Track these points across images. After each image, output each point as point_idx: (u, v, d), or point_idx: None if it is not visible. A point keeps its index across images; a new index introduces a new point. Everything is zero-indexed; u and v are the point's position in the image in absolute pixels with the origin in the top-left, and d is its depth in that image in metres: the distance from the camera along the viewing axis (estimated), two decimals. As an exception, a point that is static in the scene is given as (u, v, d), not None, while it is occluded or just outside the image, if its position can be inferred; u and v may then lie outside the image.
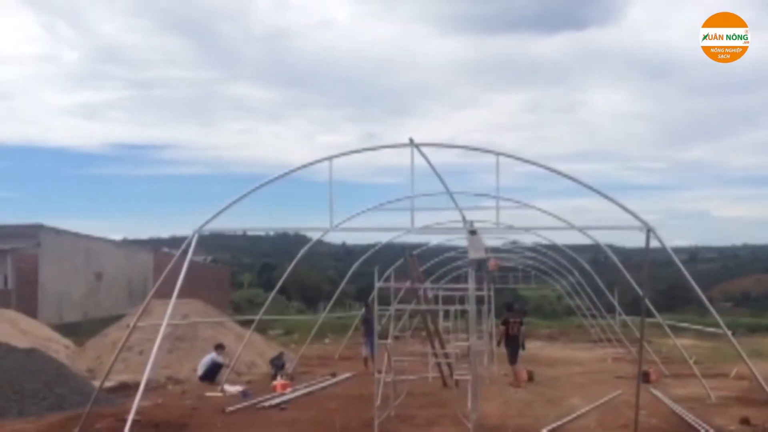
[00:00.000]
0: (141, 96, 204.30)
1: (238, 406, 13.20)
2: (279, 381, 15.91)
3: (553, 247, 24.92)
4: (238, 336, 21.59)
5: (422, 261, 27.87)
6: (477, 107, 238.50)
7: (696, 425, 11.38)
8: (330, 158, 10.73)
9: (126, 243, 39.16)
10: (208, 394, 15.07)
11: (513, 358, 17.24)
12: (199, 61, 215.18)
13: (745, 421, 11.68)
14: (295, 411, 13.11)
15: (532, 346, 31.04)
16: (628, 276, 16.95)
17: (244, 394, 14.72)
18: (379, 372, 16.47)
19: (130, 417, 9.32)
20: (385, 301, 19.40)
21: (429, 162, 12.14)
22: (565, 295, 36.08)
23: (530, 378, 17.59)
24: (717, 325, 34.43)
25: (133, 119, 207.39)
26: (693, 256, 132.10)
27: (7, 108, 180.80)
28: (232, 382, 16.44)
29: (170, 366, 18.42)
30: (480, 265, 18.80)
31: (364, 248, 27.64)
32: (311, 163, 10.89)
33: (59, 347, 19.45)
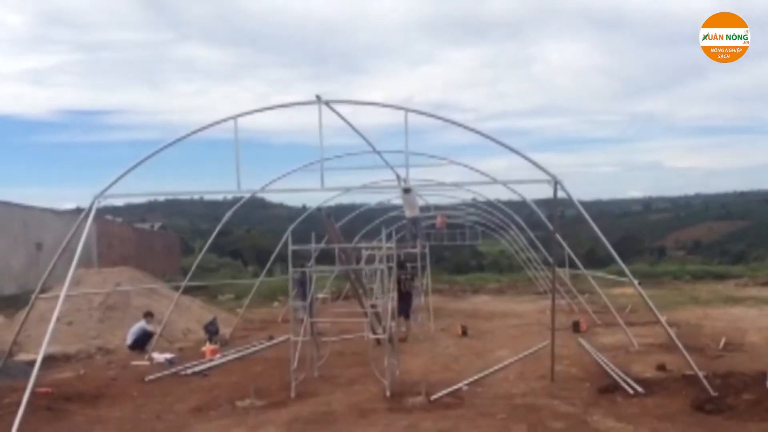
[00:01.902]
0: (88, 60, 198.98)
1: (159, 374, 12.95)
2: (208, 347, 15.68)
3: (495, 204, 24.94)
4: (175, 303, 21.24)
5: (365, 222, 27.75)
6: (433, 64, 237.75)
7: (613, 373, 11.47)
8: (235, 117, 10.39)
9: (68, 212, 38.02)
10: (134, 363, 14.77)
11: (405, 312, 17.25)
12: (147, 22, 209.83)
13: (661, 368, 11.84)
14: (217, 377, 12.94)
15: (478, 300, 31.46)
16: (551, 227, 16.92)
17: (170, 362, 14.47)
18: (320, 333, 16.59)
19: (27, 391, 8.99)
20: (321, 262, 19.31)
21: (344, 119, 11.87)
22: (511, 250, 36.28)
23: (463, 332, 17.69)
24: (650, 274, 35.06)
25: (82, 84, 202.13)
26: (647, 206, 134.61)
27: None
28: (164, 350, 16.19)
29: (101, 336, 18.06)
30: (415, 222, 18.76)
31: (334, 209, 27.32)
32: (216, 123, 10.54)
33: (-17, 322, 18.90)
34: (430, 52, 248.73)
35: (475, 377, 11.72)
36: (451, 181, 18.33)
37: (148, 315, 17.03)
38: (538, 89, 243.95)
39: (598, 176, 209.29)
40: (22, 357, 16.69)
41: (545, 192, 11.34)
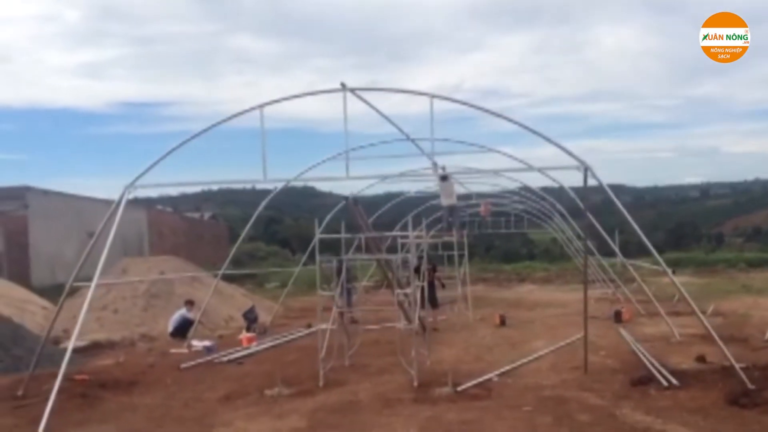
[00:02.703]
0: (143, 52, 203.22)
1: (194, 362, 13.15)
2: (244, 335, 15.86)
3: (535, 191, 24.45)
4: (218, 291, 21.49)
5: (402, 210, 27.59)
6: (482, 51, 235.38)
7: (649, 364, 11.16)
8: (261, 106, 10.43)
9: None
10: (173, 350, 15.05)
11: (429, 302, 17.09)
12: (199, 15, 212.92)
13: (701, 359, 11.49)
14: (251, 365, 13.07)
15: (523, 290, 31.10)
16: (591, 218, 16.58)
17: (208, 350, 14.70)
18: (355, 322, 16.62)
19: (58, 378, 9.20)
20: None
21: (372, 106, 11.76)
22: (560, 238, 35.67)
23: (502, 322, 17.48)
24: (705, 262, 34.27)
25: (136, 76, 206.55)
26: (705, 192, 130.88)
27: (9, 71, 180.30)
28: (205, 338, 16.45)
29: (144, 323, 18.45)
30: (452, 211, 18.57)
31: (373, 199, 27.25)
32: (241, 113, 10.59)
33: (36, 309, 19.49)
34: (480, 39, 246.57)
35: (506, 368, 11.56)
36: (490, 168, 17.99)
37: (189, 303, 17.31)
38: (590, 74, 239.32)
39: (655, 162, 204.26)
40: (68, 344, 17.14)
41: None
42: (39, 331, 17.86)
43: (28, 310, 18.80)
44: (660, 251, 49.20)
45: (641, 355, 12.02)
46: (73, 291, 21.60)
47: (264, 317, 19.94)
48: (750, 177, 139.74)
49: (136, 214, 39.35)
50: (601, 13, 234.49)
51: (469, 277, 37.74)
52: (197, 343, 15.45)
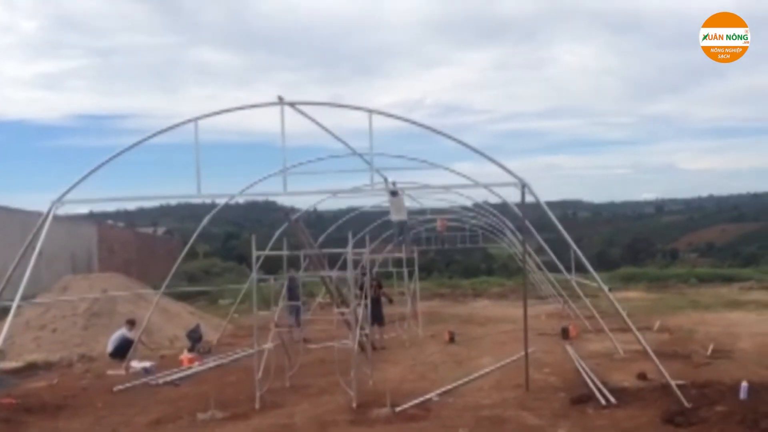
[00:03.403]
0: (102, 64, 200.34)
1: (128, 385, 12.71)
2: (185, 355, 15.43)
3: (499, 206, 24.43)
4: (163, 309, 21.02)
5: (360, 226, 27.37)
6: (446, 66, 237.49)
7: (590, 382, 11.09)
8: (195, 119, 10.16)
9: (71, 217, 37.95)
10: (110, 372, 14.56)
11: (375, 319, 16.90)
12: (159, 27, 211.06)
13: (642, 376, 11.46)
14: (188, 387, 12.69)
15: (478, 305, 31.04)
16: (534, 232, 16.64)
17: (147, 371, 14.24)
18: (307, 341, 16.30)
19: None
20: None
21: (314, 120, 11.55)
22: (513, 253, 35.78)
23: (451, 339, 17.33)
24: (659, 277, 34.45)
25: (95, 88, 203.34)
26: (660, 208, 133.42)
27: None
28: (146, 358, 15.95)
29: (84, 343, 17.81)
30: (402, 226, 18.43)
31: (336, 214, 26.89)
32: (175, 126, 10.30)
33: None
34: (443, 54, 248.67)
35: (448, 387, 11.39)
36: (440, 184, 17.94)
37: (130, 322, 16.79)
38: (551, 91, 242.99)
39: (612, 178, 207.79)
40: (4, 365, 16.51)
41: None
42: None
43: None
44: (616, 266, 49.66)
45: (583, 373, 11.95)
46: (7, 311, 20.93)
47: (213, 335, 19.49)
48: (704, 193, 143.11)
49: (86, 230, 38.44)
50: (562, 32, 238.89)
51: (426, 293, 37.83)
52: (136, 364, 14.96)
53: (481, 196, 22.13)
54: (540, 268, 26.30)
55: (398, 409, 9.87)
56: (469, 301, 33.40)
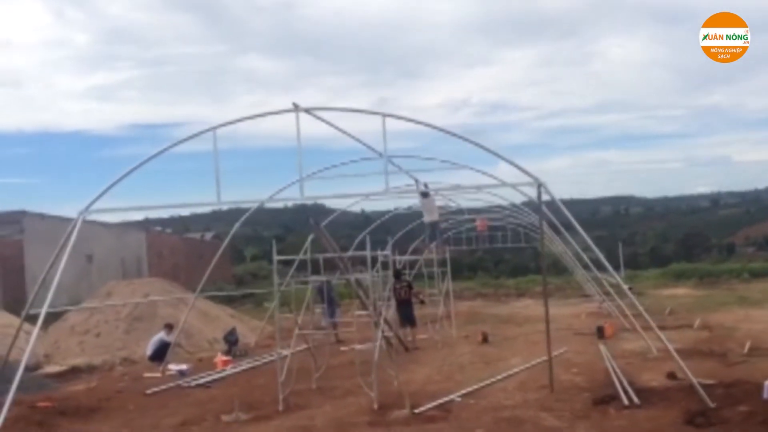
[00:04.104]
0: (152, 74, 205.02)
1: (160, 388, 13.02)
2: (219, 358, 15.73)
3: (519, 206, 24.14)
4: (203, 313, 21.51)
5: (394, 228, 27.39)
6: (489, 65, 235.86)
7: (617, 382, 10.91)
8: (214, 128, 10.35)
9: (117, 225, 39.12)
10: (147, 374, 14.94)
11: (406, 321, 16.99)
12: (207, 36, 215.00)
13: (671, 376, 11.19)
14: (219, 389, 12.94)
15: (520, 305, 30.78)
16: (578, 227, 16.43)
17: (182, 374, 14.57)
18: (340, 342, 16.47)
19: (6, 405, 9.09)
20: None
21: (332, 125, 11.68)
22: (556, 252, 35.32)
23: (484, 339, 17.24)
24: (711, 273, 33.50)
25: (147, 98, 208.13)
26: (715, 202, 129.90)
27: (21, 96, 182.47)
28: (185, 361, 16.32)
29: (126, 347, 18.37)
30: (434, 227, 18.43)
31: (382, 215, 27.10)
32: (195, 135, 10.52)
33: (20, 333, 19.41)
34: (487, 53, 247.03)
35: (471, 388, 11.34)
36: (472, 184, 17.86)
37: (168, 326, 17.19)
38: (598, 86, 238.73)
39: (664, 172, 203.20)
40: (49, 369, 17.11)
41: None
42: (21, 357, 17.81)
43: (9, 335, 18.71)
44: (668, 262, 48.40)
45: (612, 373, 11.75)
46: (59, 316, 21.65)
47: (252, 338, 19.83)
48: (761, 185, 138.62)
49: (135, 236, 39.47)
50: (607, 25, 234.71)
51: (469, 293, 37.66)
52: (174, 367, 15.32)
53: (519, 196, 21.94)
54: (585, 267, 25.87)
55: (417, 410, 9.88)
56: (511, 300, 33.17)
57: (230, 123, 10.48)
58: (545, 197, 10.05)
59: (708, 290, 31.49)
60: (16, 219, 31.39)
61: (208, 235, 55.16)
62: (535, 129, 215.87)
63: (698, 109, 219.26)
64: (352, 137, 12.15)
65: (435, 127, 9.95)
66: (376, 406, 10.29)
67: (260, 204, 14.96)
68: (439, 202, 21.35)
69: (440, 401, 10.40)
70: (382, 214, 29.22)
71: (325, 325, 18.84)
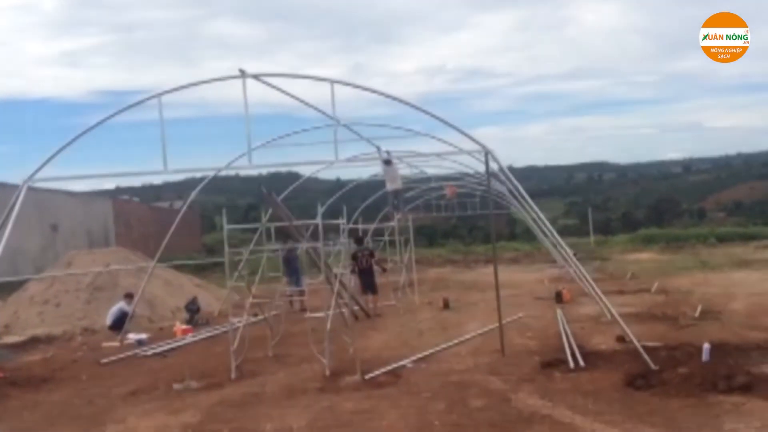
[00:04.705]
0: (122, 40, 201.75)
1: (115, 357, 12.97)
2: (178, 326, 15.70)
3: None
4: (166, 282, 21.38)
5: (371, 196, 27.31)
6: (466, 30, 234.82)
7: (567, 346, 11.06)
8: (159, 95, 10.19)
9: (83, 193, 38.49)
10: (105, 344, 14.87)
11: (367, 288, 17.09)
12: (178, 0, 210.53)
13: (620, 339, 11.36)
14: (175, 358, 12.92)
15: (487, 271, 30.94)
16: (526, 195, 16.51)
17: (140, 343, 14.52)
18: (304, 310, 16.48)
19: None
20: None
21: (284, 91, 11.53)
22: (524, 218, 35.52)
23: (445, 305, 17.37)
24: (678, 237, 33.70)
25: (116, 64, 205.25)
26: (687, 168, 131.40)
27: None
28: (145, 330, 16.25)
29: (87, 316, 18.17)
30: (397, 195, 18.40)
31: (359, 183, 27.05)
32: (141, 101, 10.34)
33: (-26, 304, 19.26)
34: (462, 18, 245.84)
35: (424, 353, 11.44)
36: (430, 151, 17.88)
37: (128, 296, 17.05)
38: (573, 52, 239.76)
39: (637, 138, 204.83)
40: (8, 339, 16.93)
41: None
42: (-20, 328, 17.65)
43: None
44: (639, 227, 48.83)
45: (563, 337, 11.91)
46: (19, 285, 21.40)
47: (214, 307, 19.78)
48: (732, 151, 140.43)
49: (102, 206, 38.97)
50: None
51: (439, 259, 37.86)
52: (133, 336, 15.26)
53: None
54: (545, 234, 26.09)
55: (368, 376, 9.94)
56: (479, 267, 33.35)
57: (174, 90, 10.30)
58: (493, 165, 10.03)
59: (672, 255, 31.95)
60: (-22, 188, 30.76)
61: (178, 204, 54.55)
62: (511, 95, 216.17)
63: (671, 75, 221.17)
64: (306, 104, 12.00)
65: (383, 94, 9.85)
66: (328, 373, 10.35)
67: (215, 172, 14.85)
68: (404, 170, 21.37)
69: (391, 367, 10.48)
70: (354, 181, 29.16)
71: (291, 293, 18.93)
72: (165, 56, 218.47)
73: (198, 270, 32.47)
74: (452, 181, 26.99)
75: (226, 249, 11.71)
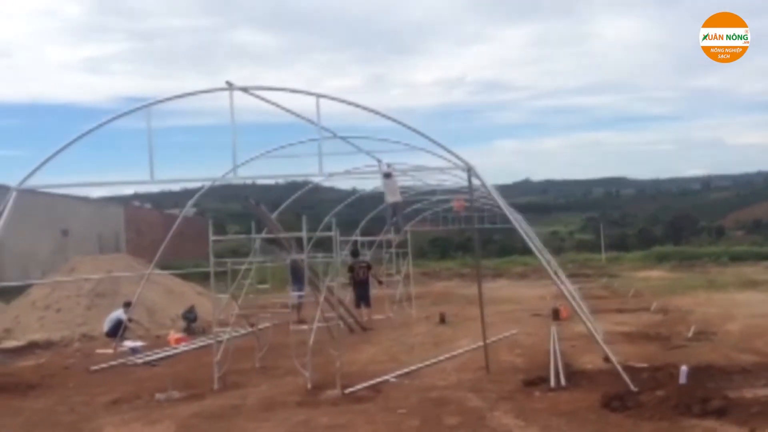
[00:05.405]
0: (144, 47, 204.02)
1: (106, 365, 13.08)
2: (172, 335, 15.78)
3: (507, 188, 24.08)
4: (168, 290, 21.48)
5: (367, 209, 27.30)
6: (484, 42, 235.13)
7: (552, 364, 10.97)
8: (148, 105, 10.29)
9: (98, 200, 38.92)
10: (99, 351, 14.98)
11: (361, 301, 17.16)
12: (198, 9, 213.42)
13: (607, 359, 11.23)
14: (164, 367, 13.00)
15: (494, 285, 30.85)
16: (507, 212, 16.44)
17: (133, 351, 14.60)
18: (303, 322, 16.51)
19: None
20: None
21: (274, 103, 11.60)
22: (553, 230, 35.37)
23: (442, 320, 17.32)
24: (693, 256, 33.41)
25: (138, 71, 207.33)
26: (706, 185, 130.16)
27: (10, 66, 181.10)
28: (141, 339, 16.33)
29: (87, 323, 18.29)
30: (396, 209, 18.42)
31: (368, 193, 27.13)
32: (129, 112, 10.44)
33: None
34: (481, 31, 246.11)
35: (409, 369, 11.41)
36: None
37: (127, 304, 17.16)
38: (592, 66, 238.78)
39: (657, 154, 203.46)
40: (7, 344, 17.10)
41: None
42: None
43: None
44: (655, 244, 48.27)
45: (552, 355, 11.81)
46: (21, 290, 21.61)
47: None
48: (752, 169, 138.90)
49: (113, 211, 39.35)
50: (602, 5, 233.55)
51: (448, 272, 37.77)
52: (128, 344, 15.35)
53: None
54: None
55: (348, 390, 9.92)
56: (487, 281, 33.16)
57: (161, 101, 10.41)
58: (475, 182, 10.02)
59: (682, 273, 31.64)
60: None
61: (191, 212, 54.96)
62: (529, 108, 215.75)
63: (692, 91, 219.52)
64: (298, 115, 12.02)
65: (366, 108, 9.87)
66: (309, 386, 10.34)
67: (210, 183, 14.90)
68: (408, 182, 21.39)
69: (373, 382, 10.46)
70: (358, 192, 29.12)
71: (292, 303, 18.94)
72: (185, 64, 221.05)
73: (205, 278, 32.65)
74: (461, 195, 26.92)
75: (211, 260, 11.74)
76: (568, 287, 12.11)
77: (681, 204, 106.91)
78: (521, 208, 31.22)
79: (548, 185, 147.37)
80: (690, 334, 13.48)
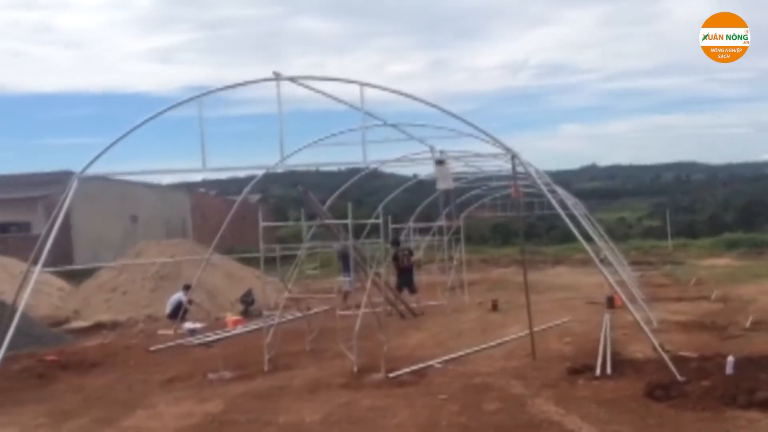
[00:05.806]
0: (210, 37, 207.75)
1: (163, 345, 13.59)
2: (229, 317, 16.24)
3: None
4: (228, 273, 22.09)
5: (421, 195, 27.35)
6: (549, 25, 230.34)
7: (601, 353, 10.86)
8: (199, 96, 10.61)
9: (164, 187, 40.16)
10: (161, 332, 15.56)
11: (406, 287, 17.36)
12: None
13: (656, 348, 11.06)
14: (219, 348, 13.41)
15: (553, 272, 30.54)
16: (549, 197, 16.25)
17: (192, 332, 15.11)
18: (349, 308, 16.80)
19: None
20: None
21: (320, 91, 11.76)
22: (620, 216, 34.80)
23: (494, 307, 17.27)
24: (751, 244, 32.41)
25: (206, 60, 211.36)
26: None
27: (83, 56, 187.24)
28: (202, 321, 16.89)
29: (151, 305, 19.07)
30: (447, 195, 18.48)
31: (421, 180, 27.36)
32: (181, 103, 10.78)
33: (51, 290, 20.43)
34: (546, 13, 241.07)
35: (456, 354, 11.48)
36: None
37: (186, 287, 17.75)
38: (662, 46, 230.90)
39: (729, 138, 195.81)
40: (75, 324, 17.96)
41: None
42: (53, 312, 18.77)
43: (43, 291, 19.68)
44: (725, 231, 46.85)
45: (601, 343, 11.69)
46: (91, 273, 22.59)
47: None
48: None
49: (180, 198, 40.51)
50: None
51: (507, 259, 37.52)
52: (188, 326, 15.90)
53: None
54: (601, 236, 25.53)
55: (392, 375, 10.08)
56: (547, 267, 32.88)
57: (211, 92, 10.72)
58: (519, 168, 9.98)
59: (750, 261, 30.63)
60: (62, 179, 32.50)
61: (254, 198, 56.09)
62: (596, 91, 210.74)
63: (767, 72, 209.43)
64: (344, 102, 12.12)
65: (408, 96, 9.94)
66: (355, 369, 10.54)
67: (264, 171, 15.19)
68: (462, 168, 21.33)
69: (417, 367, 10.58)
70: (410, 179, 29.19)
71: (346, 289, 19.25)
72: (250, 53, 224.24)
73: (267, 262, 33.35)
74: (519, 181, 26.64)
75: (261, 245, 12.05)
76: (628, 274, 11.84)
77: (754, 189, 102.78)
78: (586, 194, 30.68)
79: (616, 170, 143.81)
80: (748, 324, 13.08)
